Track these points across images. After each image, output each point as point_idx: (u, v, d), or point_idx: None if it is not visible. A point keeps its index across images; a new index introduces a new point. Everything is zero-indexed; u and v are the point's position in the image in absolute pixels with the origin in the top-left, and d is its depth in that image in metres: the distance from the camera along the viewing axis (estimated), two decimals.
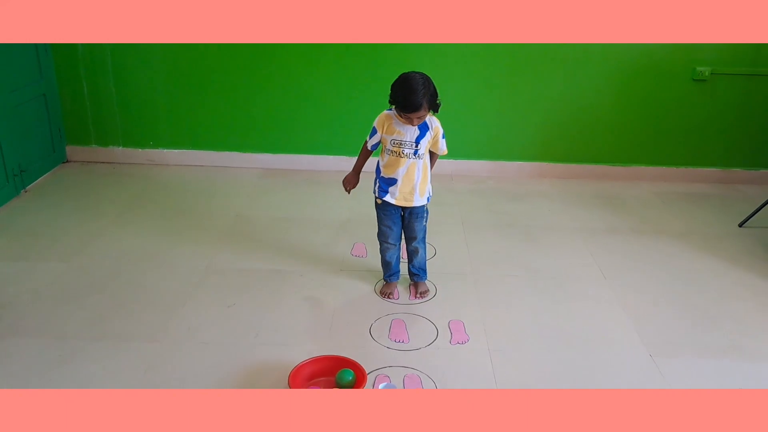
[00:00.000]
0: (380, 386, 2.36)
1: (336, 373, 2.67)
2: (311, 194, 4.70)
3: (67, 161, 5.10)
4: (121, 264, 3.61)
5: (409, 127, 3.03)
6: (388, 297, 3.37)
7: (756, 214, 4.36)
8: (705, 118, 5.05)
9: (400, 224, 3.31)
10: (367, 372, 2.71)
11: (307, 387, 2.62)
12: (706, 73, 4.86)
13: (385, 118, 3.09)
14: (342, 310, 3.25)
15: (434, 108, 2.98)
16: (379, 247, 3.39)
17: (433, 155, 3.21)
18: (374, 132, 3.15)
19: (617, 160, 5.19)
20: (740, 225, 4.38)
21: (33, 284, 3.38)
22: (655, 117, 5.05)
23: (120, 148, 5.11)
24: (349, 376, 2.64)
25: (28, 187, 4.53)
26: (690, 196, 4.93)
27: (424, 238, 3.34)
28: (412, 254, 3.39)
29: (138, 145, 5.11)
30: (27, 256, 3.66)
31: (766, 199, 4.33)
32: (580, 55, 4.82)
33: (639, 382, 2.82)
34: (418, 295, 3.39)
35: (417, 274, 3.42)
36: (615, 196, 4.89)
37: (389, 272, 3.42)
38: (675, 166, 5.21)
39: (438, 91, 2.97)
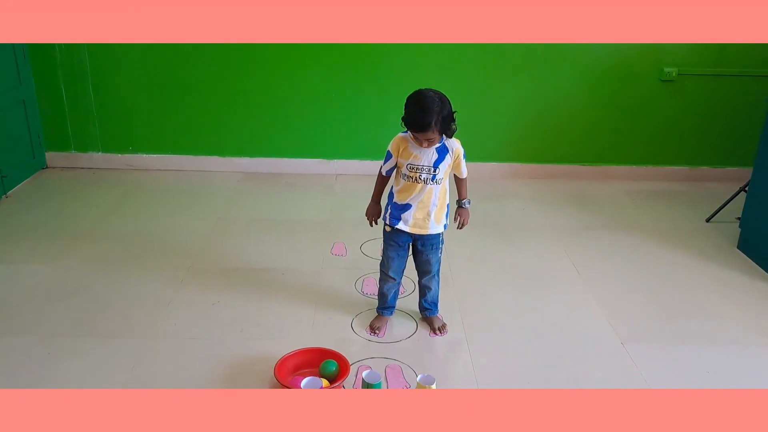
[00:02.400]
0: (363, 374, 2.45)
1: (320, 364, 2.76)
2: (291, 196, 4.78)
3: (47, 167, 5.15)
4: (104, 266, 3.67)
5: (427, 150, 2.80)
6: (375, 332, 3.11)
7: (722, 210, 4.50)
8: (673, 118, 5.20)
9: (406, 257, 3.07)
10: (350, 363, 2.80)
11: (292, 378, 2.70)
12: (674, 74, 5.01)
13: (400, 141, 2.85)
14: (324, 307, 3.33)
15: (447, 133, 2.76)
16: (378, 276, 3.19)
17: (461, 180, 3.02)
18: (389, 156, 2.90)
19: (588, 160, 5.33)
20: (707, 220, 4.52)
21: (19, 286, 3.44)
22: (624, 117, 5.19)
23: (99, 153, 5.16)
24: (333, 366, 2.73)
25: (9, 193, 4.58)
26: (659, 194, 5.07)
27: (438, 271, 3.12)
28: (424, 289, 3.16)
29: (117, 150, 5.16)
30: (11, 259, 3.71)
31: (731, 195, 4.48)
32: (552, 58, 4.95)
33: (611, 368, 2.93)
34: (436, 332, 3.14)
35: (429, 309, 3.20)
36: (587, 194, 5.02)
37: (383, 305, 3.19)
38: (644, 165, 5.35)
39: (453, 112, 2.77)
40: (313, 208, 4.58)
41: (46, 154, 5.13)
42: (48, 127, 5.08)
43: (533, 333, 3.19)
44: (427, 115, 2.63)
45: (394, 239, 3.01)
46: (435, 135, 2.70)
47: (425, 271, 3.10)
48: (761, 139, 3.92)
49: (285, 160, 5.23)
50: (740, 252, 4.07)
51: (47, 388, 2.66)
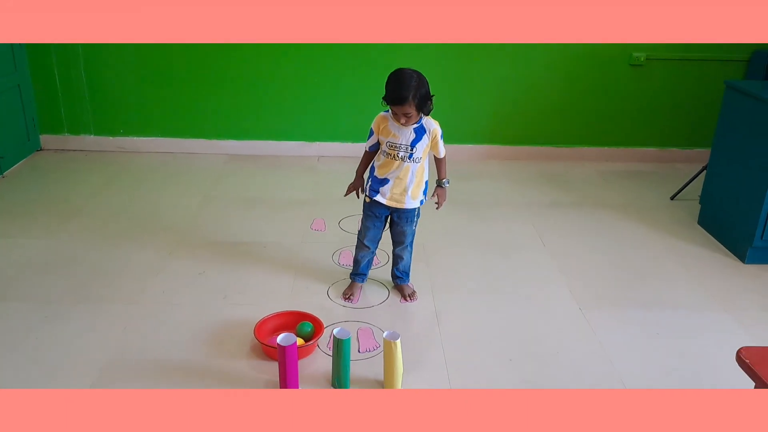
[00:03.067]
0: (334, 331, 2.66)
1: (296, 325, 2.98)
2: (274, 177, 4.99)
3: (41, 149, 5.35)
4: (97, 239, 3.89)
5: (405, 129, 2.98)
6: (348, 299, 3.33)
7: (686, 188, 4.73)
8: (643, 101, 5.41)
9: (381, 228, 3.27)
10: (324, 325, 3.03)
11: (270, 338, 2.92)
12: (642, 59, 5.22)
13: (380, 119, 3.05)
14: (302, 276, 3.55)
15: (424, 110, 2.93)
16: (355, 243, 3.36)
17: (439, 159, 3.20)
18: (371, 134, 3.10)
19: (562, 142, 5.54)
20: (672, 198, 4.75)
21: (16, 257, 3.66)
22: (596, 100, 5.40)
23: (92, 136, 5.36)
24: (308, 327, 2.96)
25: (5, 173, 4.78)
26: (629, 174, 5.29)
27: (411, 242, 3.32)
28: (397, 258, 3.37)
29: (109, 133, 5.36)
30: (8, 234, 3.92)
31: (694, 174, 4.71)
32: (525, 44, 5.14)
33: (568, 330, 3.17)
34: (407, 298, 3.37)
35: (400, 277, 3.41)
36: (559, 174, 5.23)
37: (356, 271, 3.38)
38: (616, 147, 5.57)
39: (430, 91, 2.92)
40: (295, 187, 4.79)
41: (41, 136, 5.33)
42: (42, 111, 5.28)
43: (497, 300, 3.42)
44: (405, 89, 2.81)
45: (372, 210, 3.19)
46: (412, 110, 2.87)
47: (399, 241, 3.29)
48: (719, 120, 4.14)
49: (268, 142, 5.43)
50: (700, 227, 4.30)
51: (41, 356, 2.89)
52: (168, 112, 5.33)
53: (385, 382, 2.71)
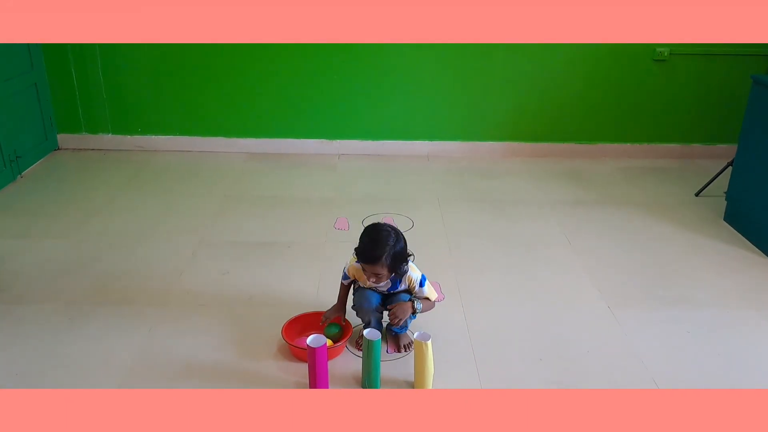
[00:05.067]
0: (364, 332, 2.63)
1: (324, 327, 2.94)
2: (295, 175, 4.95)
3: (59, 148, 5.33)
4: (118, 240, 3.86)
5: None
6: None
7: (710, 184, 4.67)
8: (666, 97, 5.35)
9: (379, 297, 2.89)
10: (352, 326, 2.99)
11: (298, 338, 2.88)
12: (666, 54, 5.16)
13: (354, 270, 2.84)
14: (327, 276, 3.51)
15: (397, 271, 2.68)
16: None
17: (426, 300, 2.86)
18: (345, 277, 2.93)
19: (584, 139, 5.49)
20: (696, 194, 4.69)
21: (37, 258, 3.63)
22: (618, 96, 5.35)
23: (109, 135, 5.34)
24: (336, 329, 2.92)
25: (23, 173, 4.76)
26: (652, 171, 5.23)
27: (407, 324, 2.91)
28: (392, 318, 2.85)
29: (127, 132, 5.34)
30: (28, 234, 3.90)
31: (719, 170, 4.64)
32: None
33: (598, 330, 3.11)
34: (401, 349, 2.94)
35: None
36: (582, 171, 5.18)
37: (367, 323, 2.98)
38: (638, 143, 5.51)
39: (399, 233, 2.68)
40: (316, 186, 4.75)
41: (58, 135, 5.32)
42: (59, 110, 5.26)
43: (524, 298, 3.37)
44: (378, 248, 2.59)
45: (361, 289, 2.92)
46: (383, 271, 2.63)
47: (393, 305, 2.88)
48: (745, 115, 4.08)
49: (288, 140, 5.40)
50: (726, 224, 4.24)
51: (64, 356, 2.86)
52: (186, 110, 5.30)
53: (415, 383, 2.68)
